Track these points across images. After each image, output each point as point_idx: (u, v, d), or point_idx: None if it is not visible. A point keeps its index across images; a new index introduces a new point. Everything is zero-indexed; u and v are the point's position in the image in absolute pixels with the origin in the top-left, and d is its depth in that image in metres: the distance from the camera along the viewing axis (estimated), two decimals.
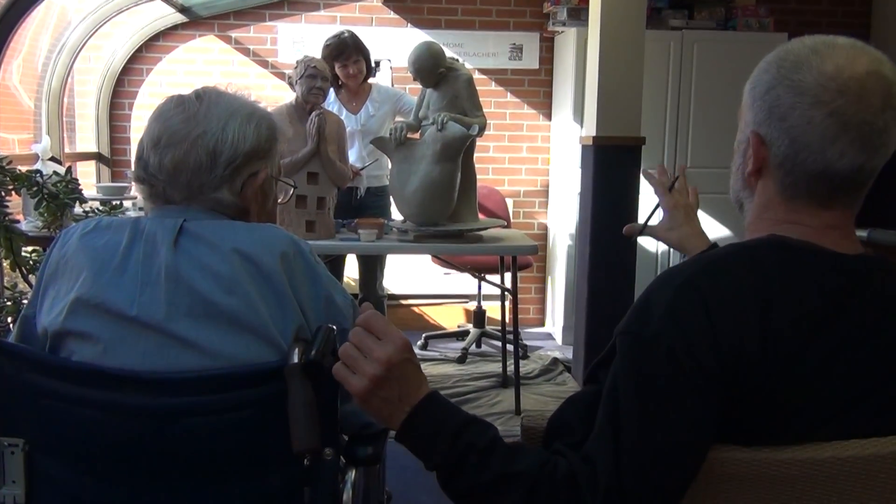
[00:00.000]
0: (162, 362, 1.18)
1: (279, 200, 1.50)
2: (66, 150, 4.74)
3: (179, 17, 5.05)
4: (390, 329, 1.02)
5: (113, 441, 1.18)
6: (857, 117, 0.98)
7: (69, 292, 1.23)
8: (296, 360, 1.16)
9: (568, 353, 4.68)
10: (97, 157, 5.12)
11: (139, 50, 5.14)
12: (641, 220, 1.65)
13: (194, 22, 5.15)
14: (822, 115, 0.98)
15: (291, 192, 1.57)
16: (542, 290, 5.59)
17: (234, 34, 5.22)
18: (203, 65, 5.20)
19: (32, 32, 4.41)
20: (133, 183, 1.39)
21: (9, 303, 2.81)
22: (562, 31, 5.10)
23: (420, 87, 3.57)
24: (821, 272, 1.01)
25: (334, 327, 1.21)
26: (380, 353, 1.00)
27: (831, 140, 0.99)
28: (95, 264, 1.23)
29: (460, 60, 3.74)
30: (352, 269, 4.37)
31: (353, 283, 4.50)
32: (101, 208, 3.04)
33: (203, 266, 1.21)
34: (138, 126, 5.00)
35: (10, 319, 2.74)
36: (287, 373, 1.16)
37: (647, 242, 4.84)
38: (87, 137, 5.17)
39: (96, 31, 4.60)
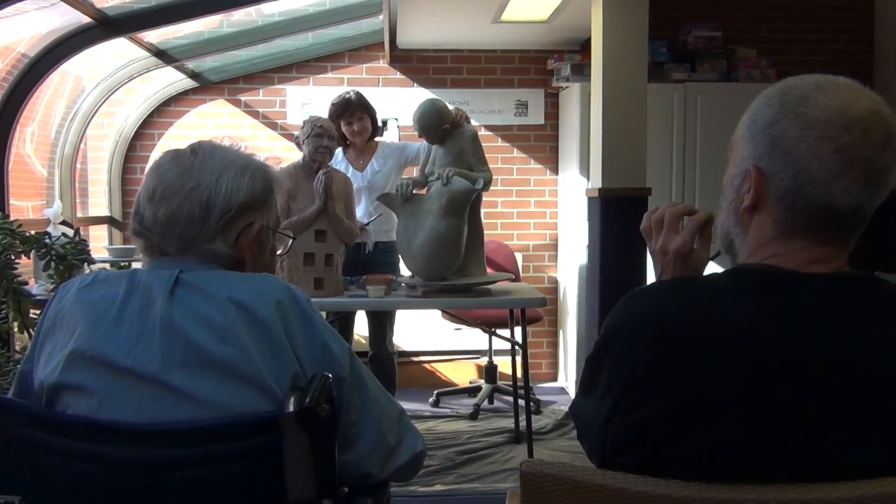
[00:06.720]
0: (157, 413, 1.17)
1: (278, 252, 1.51)
2: (79, 214, 4.80)
3: (190, 83, 5.17)
4: None
5: (108, 495, 1.16)
6: (862, 154, 0.99)
7: (65, 346, 1.22)
8: (291, 409, 1.15)
9: None
10: (109, 220, 5.18)
11: (151, 115, 5.25)
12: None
13: (204, 87, 5.26)
14: (830, 149, 0.99)
15: (290, 243, 1.58)
16: (554, 345, 5.55)
17: (243, 98, 5.32)
18: (213, 128, 5.29)
19: (47, 101, 4.51)
20: (131, 237, 1.40)
21: (18, 366, 2.81)
22: (566, 87, 5.17)
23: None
24: (775, 293, 1.01)
25: (329, 375, 1.20)
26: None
27: (836, 175, 0.99)
28: (91, 317, 1.23)
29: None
30: (361, 327, 4.36)
31: (363, 341, 4.48)
32: (110, 269, 3.06)
33: (198, 316, 1.20)
34: None
35: None
36: (283, 422, 1.15)
37: None
38: (99, 202, 5.24)
39: (109, 97, 4.69)
